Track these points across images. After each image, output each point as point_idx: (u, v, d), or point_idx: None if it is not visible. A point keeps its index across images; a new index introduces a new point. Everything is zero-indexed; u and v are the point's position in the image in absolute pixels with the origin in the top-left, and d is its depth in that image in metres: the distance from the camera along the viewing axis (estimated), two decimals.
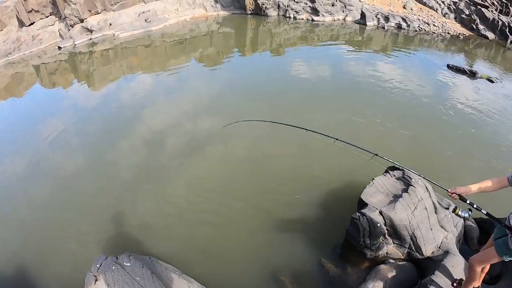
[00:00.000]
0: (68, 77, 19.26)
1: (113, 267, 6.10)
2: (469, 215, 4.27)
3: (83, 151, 11.35)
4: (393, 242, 6.34)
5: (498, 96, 18.21)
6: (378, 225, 5.95)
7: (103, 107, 14.02)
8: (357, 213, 6.14)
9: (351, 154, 9.92)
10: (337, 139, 5.98)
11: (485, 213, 4.15)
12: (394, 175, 7.35)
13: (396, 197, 6.54)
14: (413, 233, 6.18)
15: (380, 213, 6.06)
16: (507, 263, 4.69)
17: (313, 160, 9.93)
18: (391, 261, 6.37)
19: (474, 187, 4.15)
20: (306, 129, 6.49)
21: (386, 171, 7.60)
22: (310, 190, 8.72)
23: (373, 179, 7.07)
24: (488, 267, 4.91)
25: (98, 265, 6.31)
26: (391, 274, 6.03)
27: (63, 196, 9.76)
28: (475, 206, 4.18)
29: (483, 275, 5.01)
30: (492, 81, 20.26)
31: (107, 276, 5.94)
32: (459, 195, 4.16)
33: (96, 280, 5.96)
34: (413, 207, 6.33)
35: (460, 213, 4.24)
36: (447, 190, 4.28)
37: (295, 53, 18.02)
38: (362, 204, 6.36)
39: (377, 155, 5.40)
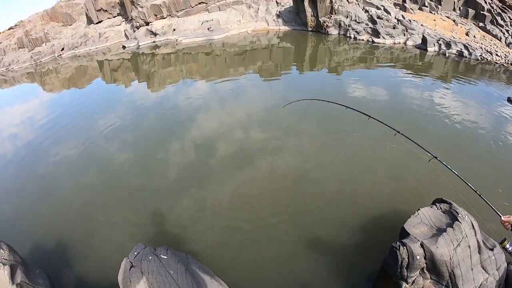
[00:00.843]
0: (129, 75, 20.18)
1: (150, 257, 6.53)
2: None
3: (135, 146, 12.06)
4: (430, 277, 6.19)
5: None
6: (418, 257, 5.86)
7: (159, 108, 14.65)
8: (398, 242, 6.07)
9: (398, 181, 10.15)
10: (398, 131, 6.16)
11: None
12: (441, 208, 7.20)
13: (440, 231, 6.39)
14: (452, 271, 6.01)
15: (421, 245, 5.95)
16: None
17: (359, 184, 9.98)
18: None
19: None
20: (369, 116, 6.83)
21: (433, 203, 7.50)
22: (352, 214, 8.76)
23: (418, 209, 6.99)
24: None
25: (136, 253, 6.80)
26: None
27: (112, 184, 10.48)
28: None
29: None
30: None
31: (143, 264, 6.37)
32: None
33: (131, 267, 6.41)
34: (456, 244, 6.15)
35: (508, 246, 4.08)
36: (501, 217, 4.08)
37: (352, 74, 18.05)
38: (404, 234, 6.30)
39: (436, 158, 5.45)
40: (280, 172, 10.25)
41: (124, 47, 28.99)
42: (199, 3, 25.64)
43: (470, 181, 4.93)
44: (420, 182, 10.14)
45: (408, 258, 5.83)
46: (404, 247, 5.84)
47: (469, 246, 6.28)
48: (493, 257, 6.69)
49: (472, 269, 6.22)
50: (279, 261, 7.79)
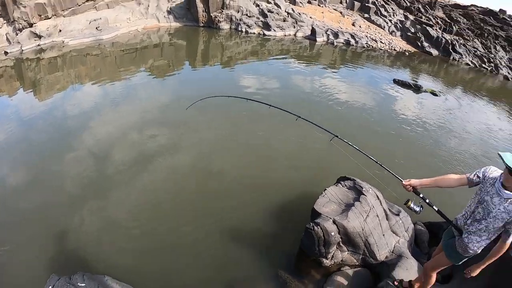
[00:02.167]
0: (14, 85, 18.45)
1: None
2: (420, 210, 4.32)
3: (24, 162, 10.79)
4: (347, 249, 6.40)
5: (443, 108, 19.48)
6: (332, 233, 5.98)
7: (49, 117, 13.43)
8: (311, 223, 6.14)
9: (302, 166, 10.39)
10: (299, 116, 6.15)
11: (436, 209, 4.25)
12: (346, 185, 7.49)
13: (348, 206, 6.64)
14: (366, 240, 6.33)
15: (334, 222, 6.06)
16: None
17: (268, 172, 9.85)
18: (347, 268, 6.44)
19: (428, 181, 4.27)
20: (270, 105, 6.68)
21: (338, 181, 7.73)
22: (263, 202, 8.62)
23: (325, 189, 7.12)
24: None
25: (50, 287, 5.97)
26: (347, 281, 6.13)
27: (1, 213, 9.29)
28: (427, 201, 4.26)
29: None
30: (436, 95, 21.44)
31: None
32: (413, 187, 4.27)
33: None
34: (365, 215, 6.49)
35: (411, 205, 4.28)
36: (402, 181, 4.36)
37: (245, 67, 18.06)
38: (316, 214, 6.38)
39: (337, 136, 5.49)
40: (183, 171, 9.78)
41: (6, 53, 26.53)
42: (87, 1, 24.16)
43: (370, 154, 5.12)
44: (325, 163, 10.43)
45: (323, 236, 5.96)
46: (318, 227, 5.96)
47: (377, 215, 6.68)
48: (400, 221, 7.22)
49: (383, 235, 6.61)
50: (202, 261, 7.28)
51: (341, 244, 6.29)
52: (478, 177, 4.04)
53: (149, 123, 11.71)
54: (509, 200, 3.65)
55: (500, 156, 3.47)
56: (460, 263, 4.40)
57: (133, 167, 9.70)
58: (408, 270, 6.03)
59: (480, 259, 4.19)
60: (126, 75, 15.77)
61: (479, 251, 4.16)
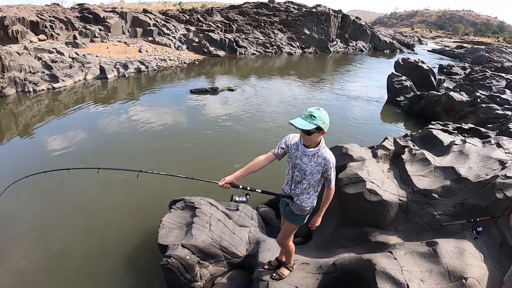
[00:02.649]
0: None
1: None
2: (246, 199, 4.49)
3: None
4: (209, 263, 6.47)
5: (241, 99, 22.09)
6: (187, 257, 5.91)
7: None
8: (163, 258, 5.98)
9: (130, 206, 9.86)
10: (100, 168, 5.35)
11: (260, 191, 4.50)
12: (178, 207, 7.53)
13: (189, 225, 6.68)
14: (220, 246, 6.47)
15: (183, 246, 6.07)
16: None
17: (100, 234, 9.08)
18: (219, 278, 6.48)
19: (240, 172, 4.39)
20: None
21: (170, 208, 7.73)
22: (105, 258, 8.08)
23: (161, 220, 7.01)
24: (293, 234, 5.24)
25: None
26: None
27: None
28: (248, 188, 4.44)
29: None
30: (232, 90, 24.23)
31: None
32: (229, 183, 4.34)
33: None
34: (208, 225, 6.66)
35: (237, 198, 4.45)
36: (218, 183, 4.39)
37: (45, 128, 17.25)
38: (164, 248, 6.26)
39: (141, 171, 5.17)
40: None
41: None
42: None
43: (182, 172, 5.12)
44: (150, 199, 10.19)
45: (180, 264, 5.86)
46: (171, 258, 5.84)
47: (219, 220, 6.96)
48: (242, 214, 7.65)
49: (234, 233, 6.92)
50: None
51: (201, 261, 6.26)
52: (282, 148, 4.39)
53: None
54: (315, 155, 4.10)
55: (291, 123, 3.78)
56: (305, 221, 4.77)
57: None
58: (270, 250, 6.32)
59: (317, 210, 4.65)
60: None
61: (314, 205, 4.58)
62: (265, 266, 5.80)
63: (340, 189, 6.61)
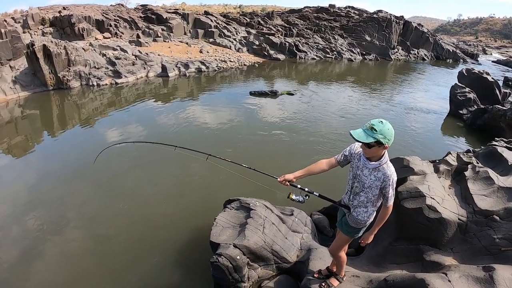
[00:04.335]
0: None
1: None
2: (303, 198, 4.46)
3: None
4: (259, 265, 6.42)
5: (300, 104, 21.57)
6: (238, 257, 5.93)
7: None
8: (214, 256, 6.02)
9: (187, 203, 10.17)
10: (176, 146, 6.07)
11: (317, 194, 4.46)
12: (233, 207, 7.54)
13: (243, 226, 6.69)
14: (272, 249, 6.43)
15: (235, 246, 6.08)
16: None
17: (150, 220, 9.44)
18: (266, 282, 6.39)
19: (300, 172, 4.41)
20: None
21: (225, 206, 7.76)
22: (160, 253, 8.17)
23: (215, 218, 7.05)
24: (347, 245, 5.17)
25: None
26: None
27: None
28: (306, 189, 4.43)
29: (346, 250, 5.31)
30: (292, 94, 23.63)
31: None
32: (288, 181, 4.37)
33: None
34: (262, 228, 6.62)
35: (293, 197, 4.44)
36: (277, 179, 4.46)
37: (106, 121, 17.77)
38: (215, 246, 6.30)
39: (210, 154, 5.53)
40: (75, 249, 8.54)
41: None
42: None
43: (244, 163, 5.21)
44: (208, 192, 10.62)
45: (230, 263, 5.88)
46: (222, 257, 5.88)
47: (273, 223, 6.91)
48: (296, 219, 7.54)
49: (286, 238, 6.85)
50: None
51: (250, 263, 6.25)
52: (345, 156, 4.31)
53: (23, 208, 10.82)
54: (376, 169, 3.96)
55: (351, 134, 3.68)
56: (359, 234, 4.64)
57: (18, 264, 8.76)
58: (321, 258, 6.21)
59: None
60: None
61: (371, 220, 4.44)
62: (314, 275, 5.68)
63: (399, 203, 6.37)
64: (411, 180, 6.80)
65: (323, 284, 5.31)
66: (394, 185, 4.00)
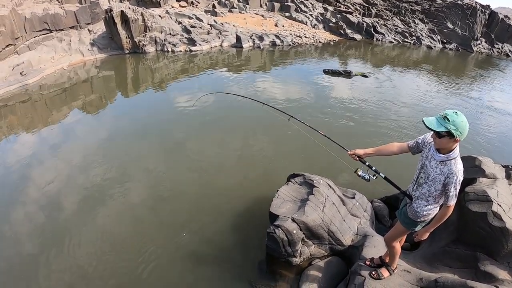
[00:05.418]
0: None
1: None
2: (369, 177, 4.51)
3: None
4: (313, 243, 6.45)
5: (374, 87, 20.77)
6: (294, 232, 6.03)
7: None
8: (271, 227, 6.11)
9: (251, 171, 10.30)
10: (263, 103, 6.59)
11: (383, 176, 4.47)
12: (296, 182, 7.54)
13: (304, 202, 6.68)
14: (328, 229, 6.39)
15: (293, 220, 6.13)
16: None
17: (214, 185, 9.62)
18: (317, 260, 6.44)
19: (371, 150, 4.47)
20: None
21: (288, 180, 7.80)
22: (220, 217, 8.40)
23: (277, 190, 7.11)
24: (404, 238, 5.11)
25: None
26: (320, 273, 6.13)
27: None
28: (373, 168, 4.52)
29: (402, 243, 5.23)
30: (366, 76, 22.56)
31: None
32: (358, 156, 4.48)
33: None
34: (322, 206, 6.57)
35: (359, 173, 4.50)
36: (348, 151, 4.58)
37: (178, 86, 17.81)
38: (274, 217, 6.35)
39: (292, 116, 5.84)
40: (136, 208, 9.45)
41: None
42: (6, 46, 23.16)
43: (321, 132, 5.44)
44: (274, 163, 10.67)
45: (286, 236, 5.99)
46: (279, 228, 5.98)
47: (333, 203, 6.82)
48: (357, 203, 7.39)
49: (344, 220, 6.74)
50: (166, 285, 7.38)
51: (305, 239, 6.33)
52: (418, 143, 4.22)
53: (92, 162, 11.17)
54: (443, 162, 3.81)
55: (423, 121, 3.59)
56: (416, 229, 4.51)
57: (86, 212, 8.92)
58: (376, 247, 6.15)
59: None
60: (60, 117, 15.19)
61: (431, 216, 4.29)
62: (366, 262, 5.65)
63: (464, 204, 6.13)
64: (480, 183, 6.51)
65: (373, 272, 5.26)
66: (458, 185, 3.81)
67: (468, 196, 6.15)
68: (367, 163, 4.53)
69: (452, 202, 3.90)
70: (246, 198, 8.91)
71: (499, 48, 49.08)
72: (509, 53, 49.33)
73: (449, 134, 3.51)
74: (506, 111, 20.22)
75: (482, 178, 6.63)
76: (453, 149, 3.73)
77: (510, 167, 7.50)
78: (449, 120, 3.45)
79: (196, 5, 35.29)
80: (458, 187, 3.83)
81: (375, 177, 4.53)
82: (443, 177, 3.83)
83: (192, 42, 26.38)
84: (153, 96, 16.72)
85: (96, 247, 7.75)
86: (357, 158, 4.52)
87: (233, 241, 7.64)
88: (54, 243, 7.97)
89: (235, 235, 7.82)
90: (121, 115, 14.22)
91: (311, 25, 38.53)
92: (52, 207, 9.13)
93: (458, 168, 3.74)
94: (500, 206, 5.81)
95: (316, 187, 7.05)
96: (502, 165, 7.54)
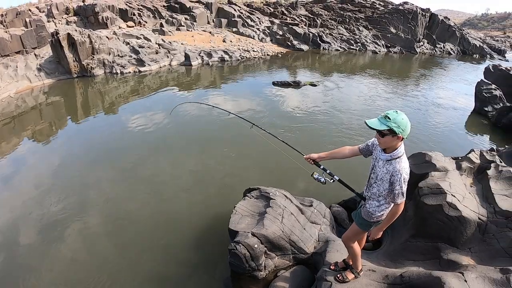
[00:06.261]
0: None
1: None
2: (325, 180, 4.64)
3: None
4: (276, 255, 6.47)
5: (323, 94, 21.53)
6: (256, 246, 6.05)
7: None
8: (232, 243, 6.15)
9: (207, 190, 10.20)
10: (230, 112, 7.06)
11: (337, 179, 4.61)
12: (253, 196, 7.58)
13: (262, 215, 6.75)
14: (290, 239, 6.45)
15: (253, 234, 6.17)
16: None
17: (172, 204, 9.57)
18: (283, 271, 6.43)
19: (324, 154, 4.68)
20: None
21: (244, 195, 7.85)
22: (179, 239, 8.28)
23: (234, 206, 7.13)
24: (364, 238, 5.26)
25: None
26: (287, 283, 6.14)
27: None
28: (328, 171, 4.66)
29: (362, 244, 5.36)
30: (315, 85, 23.31)
31: None
32: (313, 160, 4.66)
33: None
34: (280, 217, 6.67)
35: (315, 176, 4.63)
36: (303, 155, 4.79)
37: (129, 108, 17.47)
38: (234, 233, 6.42)
39: (254, 124, 6.07)
40: (96, 233, 8.66)
41: None
42: None
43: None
44: (229, 179, 10.72)
45: (248, 251, 5.98)
46: (240, 245, 5.98)
47: (291, 213, 6.96)
48: (315, 211, 7.51)
49: (304, 228, 6.86)
50: None
51: (268, 252, 6.36)
52: (368, 145, 4.39)
53: (46, 191, 10.86)
54: (389, 161, 3.94)
55: (365, 122, 3.75)
56: (370, 229, 4.63)
57: (44, 244, 8.68)
58: (338, 251, 6.22)
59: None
60: (9, 148, 14.77)
61: (383, 216, 4.39)
62: (331, 267, 5.69)
63: (419, 199, 6.41)
64: (433, 176, 6.78)
65: (338, 276, 5.32)
66: (403, 183, 3.90)
67: (422, 191, 6.45)
68: (321, 167, 4.73)
69: (399, 200, 4.00)
70: (206, 217, 8.94)
71: (441, 48, 52.05)
72: (450, 51, 52.36)
73: (391, 132, 3.69)
74: (450, 106, 21.47)
75: (434, 172, 6.95)
76: (397, 148, 3.88)
77: (460, 158, 7.88)
78: (390, 119, 3.62)
79: (144, 25, 35.27)
80: (404, 185, 3.92)
81: (332, 180, 4.67)
82: (388, 176, 3.97)
83: (140, 62, 26.33)
84: (105, 120, 16.53)
85: (56, 280, 7.51)
86: (312, 162, 4.73)
87: (197, 261, 7.64)
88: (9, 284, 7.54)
89: (198, 254, 7.81)
90: (72, 142, 13.96)
91: (258, 39, 39.29)
92: (5, 246, 8.65)
93: (402, 166, 3.87)
94: (454, 196, 6.14)
95: (272, 199, 7.17)
96: (452, 157, 7.91)
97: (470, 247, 5.89)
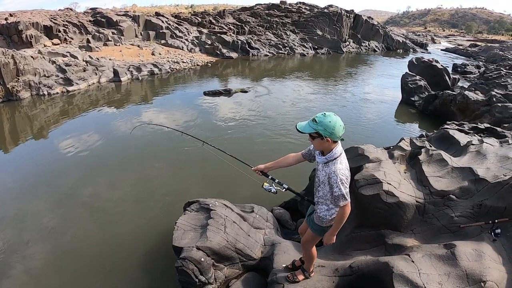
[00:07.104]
0: None
1: None
2: (275, 189, 4.75)
3: None
4: (224, 265, 6.44)
5: (255, 100, 22.32)
6: (202, 259, 5.99)
7: None
8: (178, 260, 6.05)
9: (153, 204, 10.16)
10: (183, 132, 7.09)
11: (286, 187, 4.73)
12: (193, 209, 7.51)
13: (204, 227, 6.68)
14: (236, 248, 6.45)
15: (198, 248, 6.08)
16: None
17: (115, 228, 9.31)
18: (234, 280, 6.42)
19: (271, 163, 4.69)
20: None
21: (184, 209, 7.74)
22: (125, 262, 8.08)
23: (175, 222, 7.00)
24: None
25: None
26: None
27: None
28: (276, 181, 4.76)
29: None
30: (246, 91, 24.30)
31: None
32: (260, 171, 4.68)
33: None
34: (223, 227, 6.65)
35: (265, 187, 4.76)
36: (251, 167, 4.82)
37: (60, 131, 17.36)
38: (179, 250, 6.30)
39: (205, 142, 6.00)
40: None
41: None
42: None
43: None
44: (166, 202, 10.43)
45: (195, 266, 5.91)
46: (186, 260, 5.89)
47: (234, 222, 6.96)
48: (257, 216, 7.66)
49: (249, 235, 6.91)
50: None
51: (216, 264, 6.32)
52: (310, 150, 4.40)
53: None
54: (326, 164, 3.96)
55: (296, 127, 3.82)
56: (324, 235, 4.56)
57: None
58: (286, 252, 6.31)
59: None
60: None
61: None
62: (288, 265, 5.77)
63: (357, 191, 6.52)
64: (367, 168, 7.01)
65: (289, 275, 5.39)
66: (341, 184, 3.86)
67: (359, 183, 6.59)
68: (270, 177, 4.80)
69: (342, 202, 3.93)
70: (151, 237, 8.77)
71: (366, 46, 55.25)
72: (375, 49, 55.84)
73: (319, 135, 3.71)
74: (378, 100, 23.15)
75: (368, 164, 7.15)
76: (333, 149, 3.87)
77: (391, 147, 8.22)
78: (317, 122, 3.64)
79: (70, 42, 34.54)
80: (343, 187, 3.85)
81: (284, 189, 4.78)
82: (326, 178, 3.97)
83: (68, 81, 25.75)
84: (35, 146, 16.00)
85: None
86: (260, 173, 4.73)
87: (146, 284, 7.45)
88: None
89: (147, 277, 7.62)
90: (2, 173, 13.66)
91: (187, 49, 39.69)
92: None
93: (338, 168, 3.84)
94: (390, 184, 6.33)
95: (213, 210, 7.11)
96: (384, 148, 8.24)
97: (412, 229, 6.10)
